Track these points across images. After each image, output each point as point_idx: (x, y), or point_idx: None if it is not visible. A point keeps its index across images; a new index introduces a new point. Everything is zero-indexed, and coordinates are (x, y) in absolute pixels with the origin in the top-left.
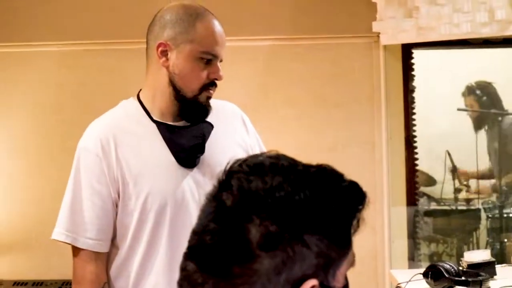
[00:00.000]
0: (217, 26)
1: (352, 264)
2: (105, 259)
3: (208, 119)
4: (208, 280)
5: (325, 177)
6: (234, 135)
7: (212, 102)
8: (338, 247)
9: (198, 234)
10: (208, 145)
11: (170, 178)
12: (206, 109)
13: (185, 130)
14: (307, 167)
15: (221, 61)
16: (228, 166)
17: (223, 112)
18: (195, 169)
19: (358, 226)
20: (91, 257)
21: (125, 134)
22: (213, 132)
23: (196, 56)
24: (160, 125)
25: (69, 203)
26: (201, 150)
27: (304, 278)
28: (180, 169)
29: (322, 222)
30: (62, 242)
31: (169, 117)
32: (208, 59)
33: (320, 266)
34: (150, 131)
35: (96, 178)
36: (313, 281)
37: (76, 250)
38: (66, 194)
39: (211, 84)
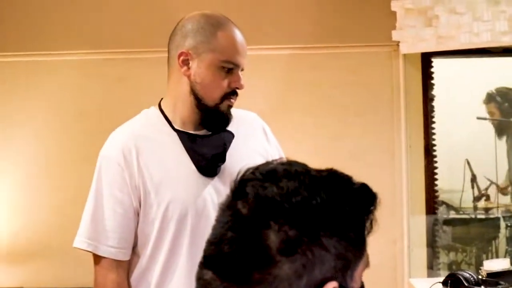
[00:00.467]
0: (238, 35)
1: (367, 265)
2: (127, 267)
3: (229, 128)
4: (227, 286)
5: (338, 180)
6: (255, 144)
7: (233, 111)
8: (355, 249)
9: (214, 244)
10: (229, 154)
11: (191, 187)
12: (227, 118)
13: (206, 139)
14: (319, 171)
15: (242, 70)
16: (240, 175)
17: (245, 121)
18: (216, 178)
19: (371, 227)
20: (113, 265)
21: (147, 143)
22: (234, 141)
23: (217, 65)
24: (181, 134)
25: (91, 212)
26: (222, 159)
27: (324, 281)
28: (201, 178)
29: (338, 224)
30: (84, 250)
31: (190, 126)
32: (229, 68)
33: (339, 268)
34: (171, 140)
35: (117, 186)
36: (333, 283)
37: (97, 258)
38: (88, 202)
39: (232, 93)
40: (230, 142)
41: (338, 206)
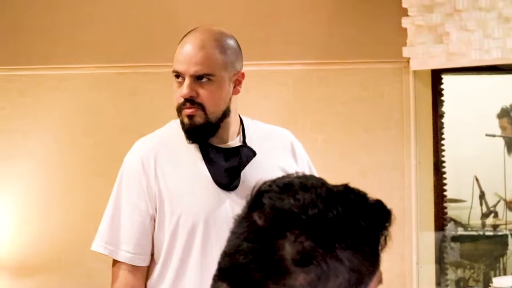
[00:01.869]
0: (187, 43)
1: (380, 281)
2: (145, 272)
3: (255, 143)
4: None
5: (353, 195)
6: (279, 160)
7: (264, 126)
8: (369, 263)
9: (230, 255)
10: (251, 168)
11: (206, 198)
12: (187, 129)
13: (225, 152)
14: (335, 186)
15: (205, 78)
16: (257, 187)
17: (272, 136)
18: (234, 192)
19: (385, 243)
20: (129, 270)
21: (166, 152)
22: (258, 156)
23: (173, 77)
24: (202, 145)
25: (110, 216)
26: (237, 173)
27: None
28: (217, 190)
29: (353, 237)
30: (101, 253)
31: (214, 138)
32: (178, 77)
33: (353, 281)
34: (192, 151)
35: (136, 193)
36: None
37: (115, 262)
38: (107, 206)
39: (184, 103)
40: (249, 157)
41: (353, 220)
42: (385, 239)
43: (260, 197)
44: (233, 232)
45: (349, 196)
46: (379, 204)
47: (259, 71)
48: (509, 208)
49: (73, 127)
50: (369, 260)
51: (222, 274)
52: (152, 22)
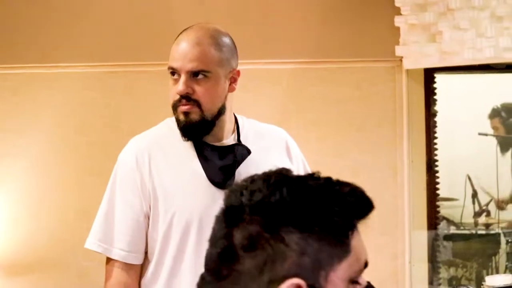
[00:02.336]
0: (182, 41)
1: (358, 271)
2: (139, 270)
3: (250, 142)
4: (211, 281)
5: (314, 182)
6: (275, 158)
7: (259, 125)
8: (330, 248)
9: (209, 247)
10: (245, 166)
11: (200, 196)
12: (183, 126)
13: (220, 150)
14: (302, 175)
15: (201, 75)
16: (230, 186)
17: (267, 135)
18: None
19: (354, 229)
20: (123, 268)
21: (161, 150)
22: (253, 155)
23: (169, 75)
24: (197, 143)
25: (104, 214)
26: (231, 172)
27: (286, 277)
28: (212, 188)
29: (302, 221)
30: (95, 251)
31: (208, 137)
32: (173, 74)
33: (307, 266)
34: (187, 148)
35: (130, 191)
36: (295, 280)
37: (109, 260)
38: (101, 204)
39: (179, 100)
40: (244, 155)
41: (301, 203)
42: (354, 226)
43: (228, 195)
44: (212, 228)
45: (306, 182)
46: (350, 191)
47: (253, 69)
48: (500, 207)
49: (67, 126)
50: (331, 246)
51: (205, 264)
52: (146, 20)
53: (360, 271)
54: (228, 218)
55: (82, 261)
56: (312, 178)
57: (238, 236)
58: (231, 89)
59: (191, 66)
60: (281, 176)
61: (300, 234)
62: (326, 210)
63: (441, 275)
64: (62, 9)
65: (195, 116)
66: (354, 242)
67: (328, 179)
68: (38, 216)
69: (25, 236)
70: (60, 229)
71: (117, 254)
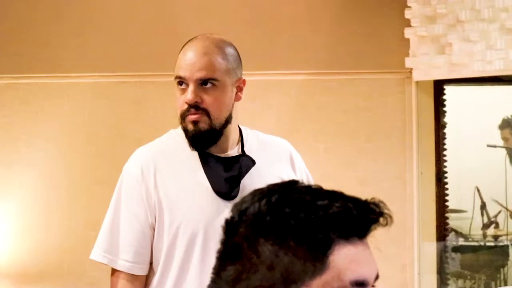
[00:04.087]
0: (189, 50)
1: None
2: (144, 281)
3: (255, 153)
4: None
5: (300, 194)
6: (279, 170)
7: (264, 136)
8: (303, 263)
9: None
10: (250, 177)
11: (205, 207)
12: (192, 136)
13: (225, 161)
14: (299, 187)
15: (210, 84)
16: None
17: (272, 147)
18: (233, 201)
19: (333, 245)
20: (128, 279)
21: (166, 160)
22: (257, 166)
23: (175, 84)
24: (201, 154)
25: (109, 225)
26: (236, 183)
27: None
28: (217, 199)
29: (277, 233)
30: (100, 262)
31: (213, 148)
32: (181, 83)
33: (278, 279)
34: (192, 159)
35: (135, 202)
36: None
37: (114, 271)
38: (107, 215)
39: (188, 109)
40: (248, 167)
41: (277, 214)
42: (331, 243)
43: (232, 205)
44: None
45: (290, 195)
46: (339, 206)
47: (263, 80)
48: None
49: (76, 136)
50: (304, 260)
51: None
52: (155, 31)
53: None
54: (226, 229)
55: (91, 271)
56: (299, 190)
57: (227, 246)
58: (237, 98)
59: (200, 75)
60: (271, 188)
61: (272, 247)
62: (302, 224)
63: (449, 287)
64: (72, 20)
65: (204, 125)
66: (337, 258)
67: (317, 192)
68: (47, 226)
69: (34, 245)
70: (69, 238)
71: (122, 265)
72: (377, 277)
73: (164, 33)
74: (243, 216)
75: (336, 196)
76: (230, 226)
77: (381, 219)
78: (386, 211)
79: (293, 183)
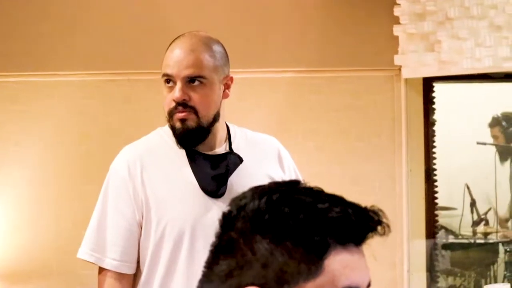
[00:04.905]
0: (176, 47)
1: None
2: (131, 280)
3: (243, 151)
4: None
5: (299, 194)
6: (267, 168)
7: (251, 134)
8: (297, 264)
9: None
10: (238, 175)
11: (192, 206)
12: (179, 133)
13: (212, 159)
14: (298, 187)
15: (197, 81)
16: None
17: (259, 144)
18: (221, 199)
19: (330, 250)
20: (116, 277)
21: (153, 158)
22: (245, 164)
23: (163, 82)
24: (189, 152)
25: (96, 223)
26: (224, 181)
27: (252, 285)
28: (204, 197)
29: (275, 232)
30: (87, 261)
31: (201, 145)
32: (168, 81)
33: (271, 278)
34: (179, 157)
35: (122, 200)
36: None
37: (101, 270)
38: (94, 214)
39: (176, 107)
40: (236, 165)
41: (276, 213)
42: (328, 246)
43: (230, 200)
44: None
45: (291, 195)
46: (339, 211)
47: (252, 78)
48: (501, 226)
49: (66, 135)
50: (299, 262)
51: None
52: (145, 29)
53: None
54: (223, 222)
55: (81, 270)
56: (300, 191)
57: (222, 240)
58: (225, 96)
59: (187, 72)
60: (272, 186)
61: (268, 245)
62: (301, 226)
63: (439, 284)
64: (61, 17)
65: (192, 123)
66: (332, 263)
67: (318, 194)
68: (37, 225)
69: (24, 244)
70: (59, 237)
71: (109, 263)
72: (369, 285)
73: (153, 31)
74: (241, 211)
75: (336, 200)
76: (227, 220)
77: (379, 228)
78: (384, 220)
79: (295, 183)
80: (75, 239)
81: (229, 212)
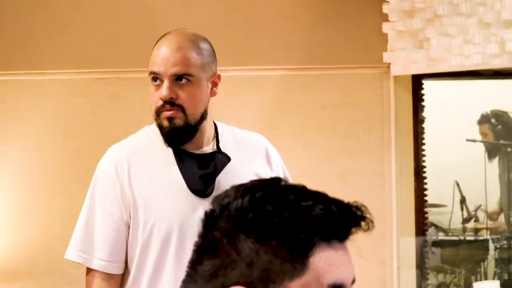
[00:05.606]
0: (163, 45)
1: None
2: (119, 280)
3: (231, 149)
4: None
5: (284, 193)
6: (254, 166)
7: (239, 132)
8: (282, 263)
9: None
10: (225, 175)
11: (180, 205)
12: (167, 132)
13: (200, 158)
14: (281, 185)
15: (185, 79)
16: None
17: (247, 142)
18: (209, 199)
19: (315, 247)
20: (104, 278)
21: (140, 157)
22: (232, 163)
23: (150, 80)
24: (176, 151)
25: (83, 223)
26: (211, 180)
27: (237, 285)
28: (192, 197)
29: (259, 231)
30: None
31: (188, 144)
32: (155, 79)
33: (256, 277)
34: (166, 156)
35: (109, 200)
36: None
37: (89, 270)
38: (81, 214)
39: (163, 105)
40: (224, 163)
41: (260, 211)
42: (312, 244)
43: (212, 199)
44: None
45: (275, 192)
46: (323, 208)
47: (240, 76)
48: (490, 218)
49: (54, 133)
50: (284, 260)
51: None
52: (133, 27)
53: None
54: (205, 222)
55: (69, 269)
56: (283, 189)
57: (204, 239)
58: (212, 94)
59: (174, 70)
60: (255, 184)
61: (253, 244)
62: (285, 224)
63: (429, 282)
64: (48, 16)
65: (179, 121)
66: (317, 261)
67: (301, 192)
68: (25, 224)
69: (12, 243)
70: (47, 236)
71: (97, 264)
72: (353, 281)
73: (141, 29)
74: (224, 210)
75: (319, 197)
76: (209, 219)
77: (363, 224)
78: (368, 215)
79: (277, 181)
80: (63, 238)
81: (212, 211)
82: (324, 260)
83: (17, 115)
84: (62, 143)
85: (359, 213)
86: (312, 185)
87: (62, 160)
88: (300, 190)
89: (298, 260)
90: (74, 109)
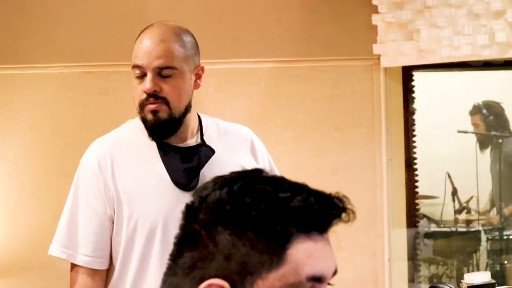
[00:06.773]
0: (145, 38)
1: (296, 284)
2: (104, 275)
3: (215, 142)
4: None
5: (262, 185)
6: (240, 158)
7: (224, 124)
8: (259, 255)
9: None
10: (209, 168)
11: (164, 199)
12: (151, 125)
13: (183, 152)
14: (265, 177)
15: (168, 72)
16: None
17: (232, 134)
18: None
19: (292, 239)
20: (88, 273)
21: (124, 152)
22: (217, 155)
23: (132, 73)
24: (160, 145)
25: (67, 219)
26: (195, 173)
27: (215, 277)
28: (176, 190)
29: (236, 223)
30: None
31: (172, 138)
32: (139, 73)
33: (233, 269)
34: (150, 150)
35: (93, 195)
36: (215, 281)
37: (73, 266)
38: (64, 209)
39: (147, 98)
40: (208, 157)
41: (237, 204)
42: (290, 236)
43: (193, 192)
44: None
45: (252, 185)
46: (301, 200)
47: (230, 69)
48: (482, 209)
49: (43, 128)
50: (261, 252)
51: None
52: (121, 20)
53: (300, 285)
54: (186, 214)
55: (60, 264)
56: (262, 180)
57: (184, 232)
58: (196, 86)
59: (157, 63)
60: (234, 176)
61: (230, 236)
62: (262, 216)
63: (421, 273)
64: (37, 10)
65: (163, 114)
66: (295, 253)
67: (280, 183)
68: (15, 219)
69: (2, 238)
70: (37, 231)
71: (81, 260)
72: (335, 273)
73: (131, 22)
74: (203, 202)
75: (299, 188)
76: (189, 212)
77: (344, 215)
78: (349, 206)
79: (256, 172)
80: (53, 232)
81: (192, 203)
82: (303, 252)
83: (5, 110)
84: (52, 138)
85: (340, 204)
86: (303, 178)
87: (51, 153)
88: (279, 182)
89: (275, 252)
90: (62, 103)
